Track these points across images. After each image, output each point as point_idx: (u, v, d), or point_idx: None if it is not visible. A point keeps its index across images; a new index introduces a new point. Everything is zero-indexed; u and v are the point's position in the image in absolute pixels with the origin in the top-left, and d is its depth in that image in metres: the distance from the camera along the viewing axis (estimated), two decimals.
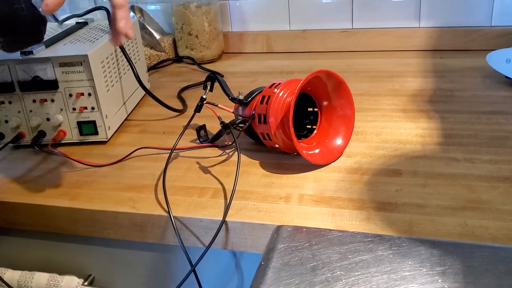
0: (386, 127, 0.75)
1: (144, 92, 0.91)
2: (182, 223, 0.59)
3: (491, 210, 0.54)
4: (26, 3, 0.54)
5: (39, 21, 0.56)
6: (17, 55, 0.73)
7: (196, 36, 1.15)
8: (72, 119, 0.76)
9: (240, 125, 0.68)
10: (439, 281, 0.44)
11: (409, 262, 0.47)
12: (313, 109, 0.70)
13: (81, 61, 0.72)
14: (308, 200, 0.59)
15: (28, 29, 0.55)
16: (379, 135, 0.73)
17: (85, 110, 0.75)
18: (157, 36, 1.20)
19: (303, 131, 0.71)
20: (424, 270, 0.45)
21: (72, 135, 0.77)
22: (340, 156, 0.68)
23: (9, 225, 0.67)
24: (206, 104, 0.71)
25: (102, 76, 0.77)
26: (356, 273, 0.46)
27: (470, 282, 0.44)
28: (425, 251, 0.48)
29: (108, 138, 0.78)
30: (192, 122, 0.71)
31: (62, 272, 0.68)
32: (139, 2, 1.22)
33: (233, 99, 0.72)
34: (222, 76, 1.05)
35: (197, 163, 0.70)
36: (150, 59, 1.17)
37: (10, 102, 0.75)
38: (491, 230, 0.51)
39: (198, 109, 0.71)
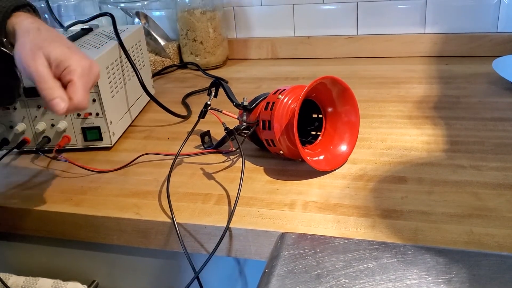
0: (391, 133, 0.75)
1: (149, 98, 0.91)
2: (186, 229, 0.58)
3: (497, 218, 0.53)
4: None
5: (18, 86, 0.59)
6: None
7: (201, 42, 1.15)
8: (77, 125, 0.76)
9: (244, 131, 0.68)
10: None
11: (415, 270, 0.46)
12: (318, 116, 0.70)
13: None
14: (313, 207, 0.58)
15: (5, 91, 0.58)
16: (384, 142, 0.72)
17: (89, 116, 0.75)
18: (162, 42, 1.21)
19: (307, 138, 0.70)
20: (429, 278, 0.45)
21: (77, 141, 0.77)
22: (345, 162, 0.67)
23: (13, 230, 0.67)
24: (211, 110, 0.71)
25: (107, 82, 0.77)
26: (361, 281, 0.45)
27: None
28: (430, 259, 0.47)
29: (113, 144, 0.78)
30: (196, 128, 0.71)
31: (66, 278, 0.68)
32: (144, 8, 1.22)
33: (237, 105, 0.72)
34: (227, 82, 1.05)
35: (201, 169, 0.70)
36: (154, 65, 1.17)
37: (15, 108, 0.75)
38: (498, 238, 0.50)
39: (203, 115, 0.71)
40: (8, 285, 0.67)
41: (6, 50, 0.55)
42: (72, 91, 0.51)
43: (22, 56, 0.52)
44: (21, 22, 0.56)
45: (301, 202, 0.60)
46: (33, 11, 0.60)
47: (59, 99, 0.50)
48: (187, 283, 0.54)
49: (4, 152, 0.75)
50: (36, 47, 0.52)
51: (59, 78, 0.52)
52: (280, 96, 0.65)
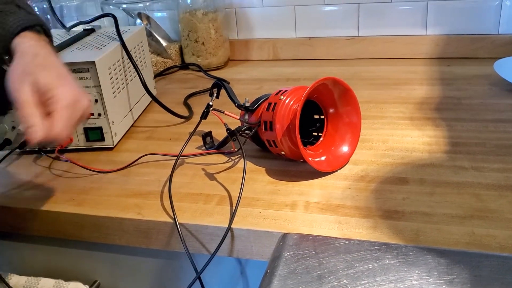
0: (393, 134, 0.75)
1: (151, 99, 0.91)
2: (188, 230, 0.58)
3: (499, 219, 0.53)
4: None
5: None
6: None
7: (203, 43, 1.15)
8: (79, 125, 0.76)
9: (246, 132, 0.68)
10: None
11: (416, 271, 0.46)
12: (319, 116, 0.70)
13: (88, 67, 0.72)
14: (314, 207, 0.59)
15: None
16: (386, 143, 0.73)
17: (91, 117, 0.76)
18: (164, 43, 1.21)
19: (309, 138, 0.70)
20: (431, 279, 0.45)
21: (79, 141, 0.77)
22: (346, 163, 0.67)
23: (15, 230, 0.67)
24: (213, 111, 0.71)
25: (109, 82, 0.77)
26: (363, 282, 0.45)
27: None
28: (432, 260, 0.47)
29: (114, 144, 0.78)
30: (198, 129, 0.71)
31: (67, 278, 0.68)
32: (146, 9, 1.23)
33: (239, 106, 0.72)
34: (228, 83, 1.05)
35: (203, 169, 0.70)
36: (156, 66, 1.18)
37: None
38: (499, 239, 0.50)
39: (204, 115, 0.71)
40: (10, 284, 0.67)
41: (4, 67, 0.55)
42: (52, 121, 0.50)
43: (11, 79, 0.52)
44: (23, 44, 0.55)
45: (302, 202, 0.60)
46: (44, 31, 0.59)
47: (36, 127, 0.49)
48: (188, 283, 0.54)
49: (6, 152, 0.75)
50: (25, 72, 0.52)
51: (45, 106, 0.51)
52: (282, 97, 0.65)
